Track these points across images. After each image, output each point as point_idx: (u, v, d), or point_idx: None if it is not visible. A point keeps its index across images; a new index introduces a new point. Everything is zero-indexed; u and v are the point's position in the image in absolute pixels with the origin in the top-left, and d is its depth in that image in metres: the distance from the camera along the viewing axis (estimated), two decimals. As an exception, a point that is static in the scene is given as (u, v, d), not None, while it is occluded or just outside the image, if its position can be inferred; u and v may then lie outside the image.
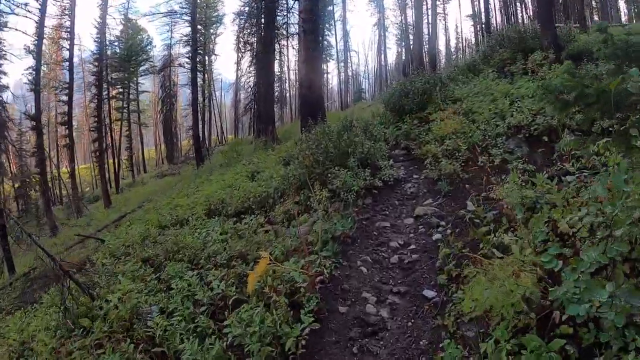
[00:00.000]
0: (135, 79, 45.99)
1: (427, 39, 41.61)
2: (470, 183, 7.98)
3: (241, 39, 31.91)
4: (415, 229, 6.87)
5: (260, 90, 23.83)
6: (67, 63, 31.51)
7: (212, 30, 44.80)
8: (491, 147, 8.78)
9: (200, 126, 44.29)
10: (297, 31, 17.28)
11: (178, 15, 34.76)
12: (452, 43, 59.49)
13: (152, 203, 19.89)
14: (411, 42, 21.01)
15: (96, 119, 32.26)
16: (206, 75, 43.70)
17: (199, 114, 43.86)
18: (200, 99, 42.96)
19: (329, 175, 8.77)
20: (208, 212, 11.88)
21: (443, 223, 6.72)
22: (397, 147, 11.77)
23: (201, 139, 43.32)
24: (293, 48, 35.37)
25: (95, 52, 34.45)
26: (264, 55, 23.18)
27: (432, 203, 7.68)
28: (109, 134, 39.44)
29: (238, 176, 14.87)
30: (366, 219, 7.37)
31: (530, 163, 7.89)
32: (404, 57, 49.70)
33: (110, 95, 41.70)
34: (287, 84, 44.47)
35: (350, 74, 52.66)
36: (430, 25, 23.83)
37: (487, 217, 6.24)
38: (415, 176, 9.35)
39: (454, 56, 55.28)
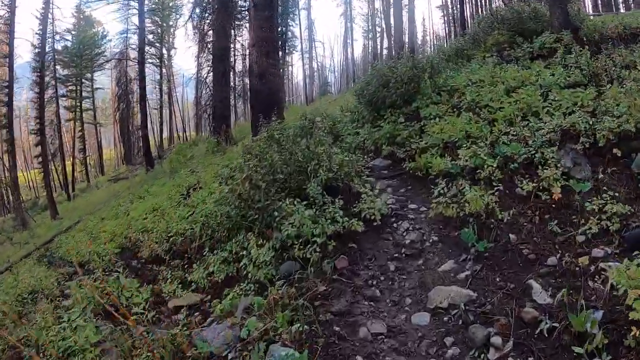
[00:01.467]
0: (89, 75, 41.10)
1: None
2: (515, 231, 4.47)
3: (195, 27, 27.79)
4: (440, 347, 3.29)
5: (214, 84, 19.97)
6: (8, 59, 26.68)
7: (171, 23, 40.19)
8: (538, 164, 5.24)
9: (159, 124, 39.94)
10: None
11: (126, 1, 30.13)
12: (419, 35, 56.09)
13: (85, 222, 16.06)
14: (392, 29, 17.51)
15: (38, 120, 27.59)
16: (165, 70, 39.18)
17: (159, 111, 39.56)
18: (157, 95, 38.57)
19: (276, 213, 5.15)
20: (120, 252, 8.46)
21: (498, 340, 3.13)
22: (377, 154, 8.28)
23: (160, 138, 39.08)
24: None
25: (37, 45, 29.58)
26: (217, 44, 19.33)
27: (458, 273, 4.12)
28: (58, 135, 34.60)
29: (174, 192, 11.30)
30: (339, 316, 3.72)
31: (617, 199, 4.45)
32: (370, 49, 46.26)
33: (60, 94, 36.76)
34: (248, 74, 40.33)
35: (315, 67, 48.75)
36: (407, 8, 20.22)
37: (594, 337, 2.75)
38: (411, 206, 5.82)
39: (421, 49, 51.96)
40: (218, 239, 6.08)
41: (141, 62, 23.44)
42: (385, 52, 37.15)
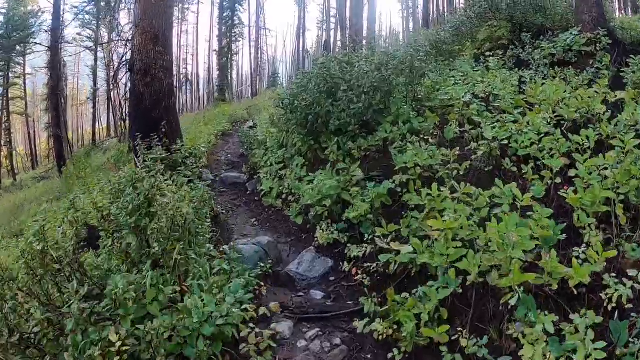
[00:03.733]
0: (22, 59, 34.94)
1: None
2: None
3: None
4: None
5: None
6: None
7: (113, 2, 34.02)
8: None
9: (92, 115, 34.39)
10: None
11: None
12: (376, 30, 51.08)
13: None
14: (347, 19, 13.11)
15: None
16: (103, 54, 33.23)
17: (92, 100, 34.06)
18: (91, 84, 32.87)
19: None
20: None
21: None
22: (309, 233, 4.20)
23: (93, 132, 33.64)
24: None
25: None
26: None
27: None
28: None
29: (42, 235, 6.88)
30: None
31: None
32: (324, 40, 41.74)
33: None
34: (193, 60, 34.78)
35: (266, 57, 43.59)
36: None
37: None
38: None
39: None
40: None
41: (54, 47, 18.35)
42: (339, 45, 32.75)
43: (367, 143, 4.70)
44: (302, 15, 39.06)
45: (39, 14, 35.20)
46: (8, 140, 32.62)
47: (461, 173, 3.59)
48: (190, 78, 37.19)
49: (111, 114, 33.39)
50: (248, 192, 6.11)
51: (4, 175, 33.74)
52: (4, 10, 33.49)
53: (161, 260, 2.63)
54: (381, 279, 3.03)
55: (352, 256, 3.43)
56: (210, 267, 2.91)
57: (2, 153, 32.49)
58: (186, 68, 28.09)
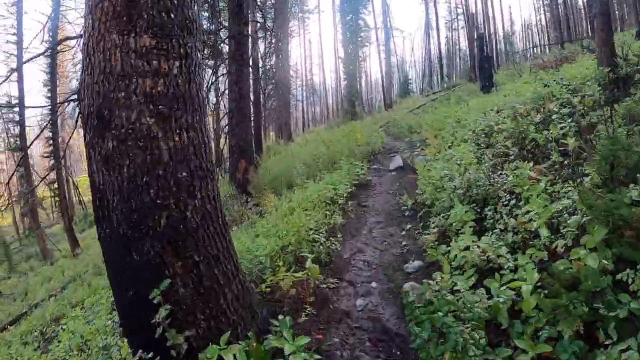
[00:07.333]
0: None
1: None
2: None
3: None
4: None
5: (230, 96, 10.67)
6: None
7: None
8: None
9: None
10: None
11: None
12: (506, 25, 40.79)
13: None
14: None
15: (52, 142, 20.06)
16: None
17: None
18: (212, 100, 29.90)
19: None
20: None
21: None
22: None
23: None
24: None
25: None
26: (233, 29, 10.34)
27: None
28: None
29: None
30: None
31: None
32: (462, 39, 34.52)
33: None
34: (320, 70, 29.96)
35: (395, 61, 37.58)
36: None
37: None
38: None
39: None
40: None
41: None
42: (463, 45, 26.63)
43: None
44: (434, 13, 32.53)
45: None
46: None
47: None
48: (316, 89, 33.44)
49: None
50: None
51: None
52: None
53: None
54: None
55: None
56: None
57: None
58: (312, 79, 23.80)
